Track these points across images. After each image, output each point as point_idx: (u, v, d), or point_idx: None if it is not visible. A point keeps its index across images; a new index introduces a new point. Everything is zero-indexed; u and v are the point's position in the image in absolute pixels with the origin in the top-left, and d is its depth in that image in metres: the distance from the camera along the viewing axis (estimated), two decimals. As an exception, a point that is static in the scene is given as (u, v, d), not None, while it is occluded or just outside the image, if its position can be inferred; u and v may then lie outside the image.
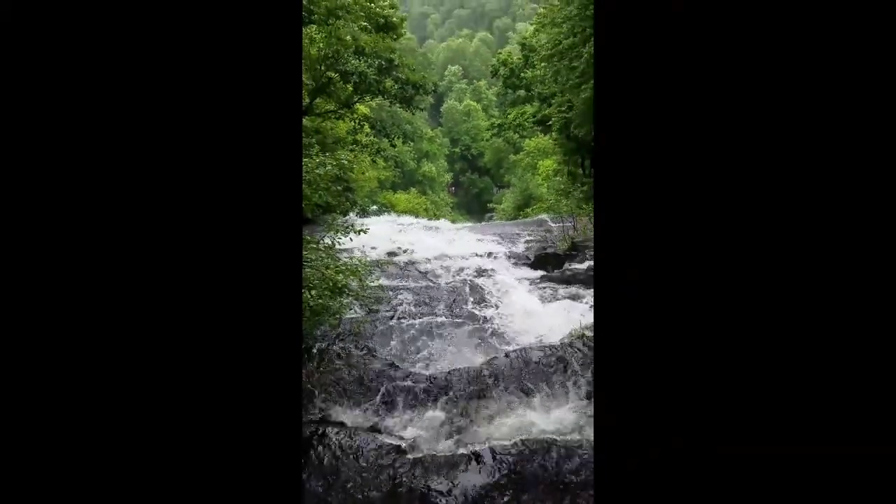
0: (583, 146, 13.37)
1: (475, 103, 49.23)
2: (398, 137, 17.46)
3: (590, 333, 5.26)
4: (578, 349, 5.11)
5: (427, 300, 6.61)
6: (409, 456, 4.04)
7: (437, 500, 3.69)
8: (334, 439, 4.16)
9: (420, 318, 6.14)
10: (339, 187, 5.81)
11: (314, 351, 5.27)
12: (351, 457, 4.02)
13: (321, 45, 11.39)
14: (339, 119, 13.90)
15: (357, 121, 14.45)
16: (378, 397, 4.74)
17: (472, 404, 4.62)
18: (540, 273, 7.91)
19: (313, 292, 4.71)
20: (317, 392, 4.82)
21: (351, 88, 12.97)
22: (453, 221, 17.35)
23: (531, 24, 21.55)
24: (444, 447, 4.21)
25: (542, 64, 12.92)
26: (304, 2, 11.10)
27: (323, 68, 11.79)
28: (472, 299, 6.66)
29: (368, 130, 15.67)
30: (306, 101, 11.86)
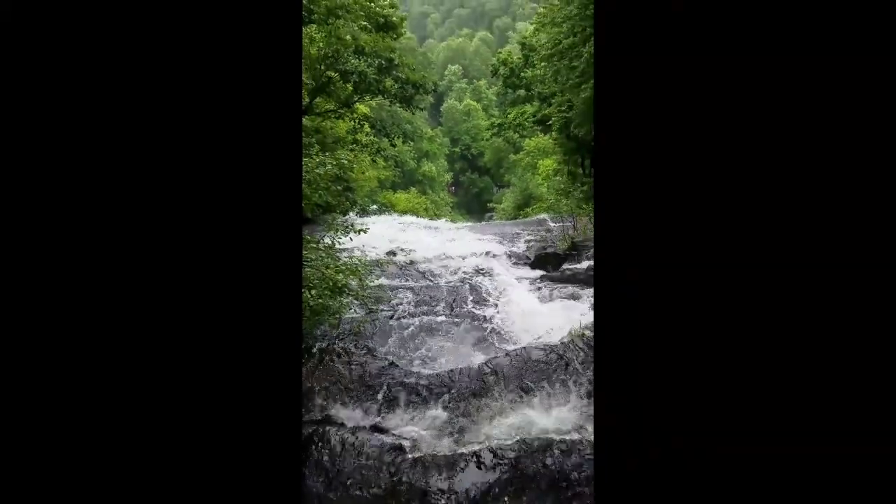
0: (583, 146, 13.36)
1: (475, 103, 49.21)
2: (398, 137, 17.45)
3: (590, 333, 5.26)
4: (578, 348, 5.10)
5: (427, 299, 6.61)
6: (410, 455, 4.04)
7: (437, 498, 3.69)
8: (334, 438, 4.16)
9: (420, 317, 6.14)
10: (338, 187, 5.81)
11: (314, 350, 5.27)
12: (351, 455, 4.02)
13: (321, 44, 11.38)
14: (339, 118, 13.89)
15: (357, 120, 14.44)
16: (378, 396, 4.74)
17: (472, 403, 4.62)
18: (540, 273, 7.91)
19: (313, 292, 4.71)
20: (317, 391, 4.82)
21: (351, 88, 12.96)
22: (453, 221, 17.34)
23: (531, 24, 21.54)
24: (445, 446, 4.21)
25: (542, 63, 12.91)
26: (304, 1, 11.09)
27: (323, 68, 11.78)
28: (471, 299, 6.65)
29: (368, 130, 15.66)
30: (306, 100, 11.85)
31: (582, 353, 5.03)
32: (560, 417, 4.49)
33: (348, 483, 3.86)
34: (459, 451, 4.08)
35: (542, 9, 14.58)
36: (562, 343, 5.25)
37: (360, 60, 12.07)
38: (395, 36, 13.62)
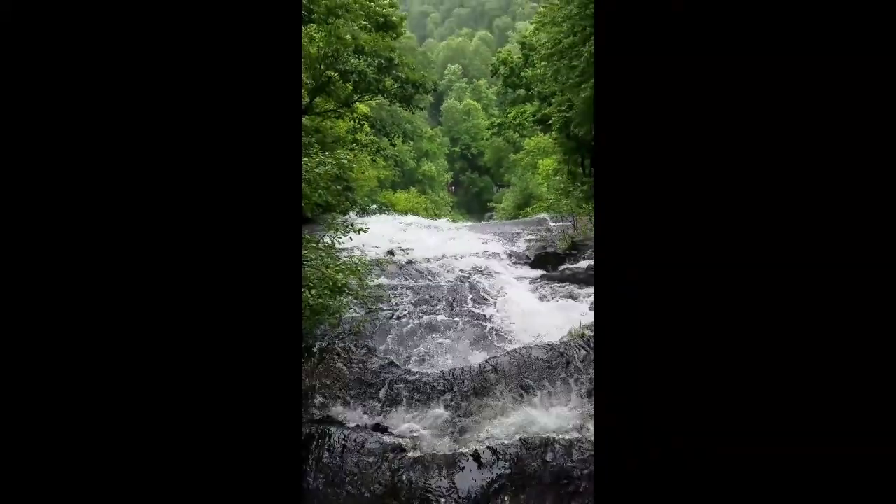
0: (583, 145, 13.36)
1: (475, 102, 49.15)
2: (398, 136, 17.44)
3: (589, 332, 5.25)
4: (578, 348, 5.10)
5: (427, 299, 6.60)
6: (410, 454, 4.04)
7: (437, 498, 3.69)
8: (334, 437, 4.16)
9: (420, 316, 6.14)
10: (338, 186, 5.81)
11: (314, 350, 5.27)
12: (351, 454, 4.02)
13: (321, 44, 11.37)
14: (339, 118, 13.87)
15: (357, 120, 14.42)
16: (378, 396, 4.74)
17: (472, 403, 4.61)
18: (540, 272, 7.90)
19: (313, 291, 4.71)
20: (317, 390, 4.82)
21: (351, 87, 12.94)
22: (453, 220, 17.33)
23: (531, 23, 21.52)
24: (445, 445, 4.21)
25: (542, 63, 12.91)
26: (303, 1, 11.08)
27: (323, 67, 11.76)
28: (471, 298, 6.65)
29: (368, 129, 15.64)
30: (306, 100, 11.84)
31: (582, 352, 5.02)
32: (560, 416, 4.49)
33: (348, 481, 3.86)
34: (460, 450, 4.07)
35: (541, 8, 14.56)
36: (562, 342, 5.25)
37: (359, 60, 12.05)
38: (394, 35, 13.61)
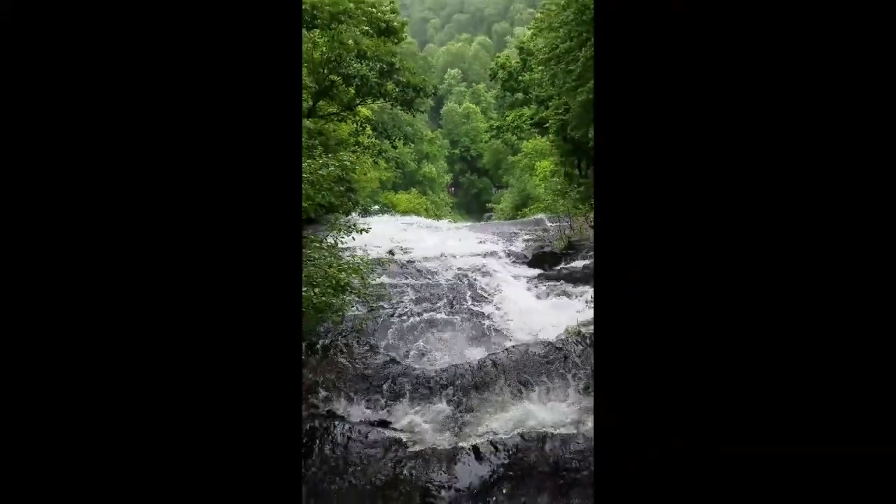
0: (579, 148, 13.35)
1: (474, 106, 49.17)
2: (399, 139, 17.42)
3: (585, 329, 5.24)
4: (575, 345, 5.08)
5: (427, 297, 6.59)
6: (410, 448, 4.02)
7: (437, 491, 3.67)
8: (337, 432, 4.15)
9: (420, 314, 6.12)
10: (341, 188, 5.79)
11: (317, 347, 5.25)
12: (353, 449, 4.01)
13: (324, 48, 11.34)
14: (342, 121, 13.85)
15: (359, 123, 14.41)
16: (380, 391, 4.72)
17: (471, 398, 4.60)
18: (537, 271, 7.89)
19: (316, 290, 4.69)
20: (320, 386, 4.80)
21: (353, 91, 12.92)
22: (453, 221, 17.32)
23: (529, 29, 21.51)
24: (445, 440, 4.20)
25: (540, 67, 12.91)
26: (307, 7, 11.06)
27: (326, 71, 11.74)
28: (470, 296, 6.63)
29: (370, 132, 15.63)
30: (310, 103, 11.81)
31: (579, 349, 5.00)
32: (558, 411, 4.48)
33: (350, 472, 3.84)
34: (459, 444, 4.06)
35: (539, 14, 14.56)
36: (559, 339, 5.23)
37: (362, 64, 12.03)
38: (396, 40, 13.59)
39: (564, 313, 5.95)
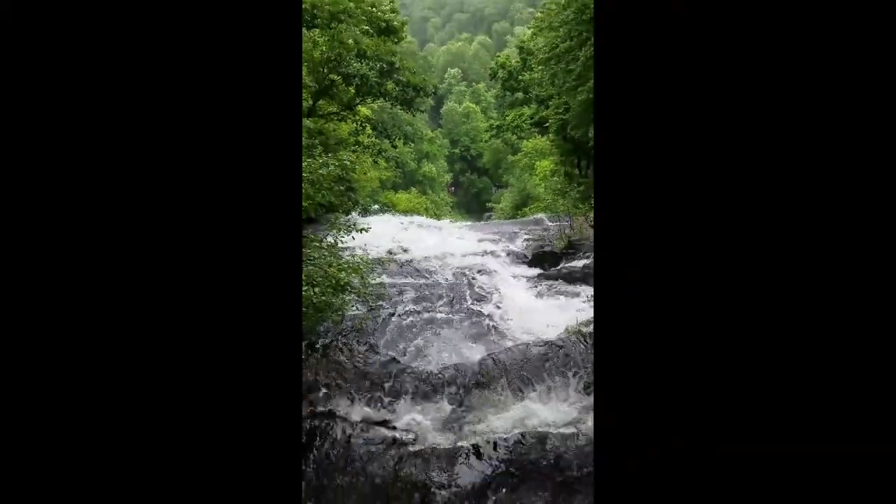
0: (579, 147, 13.35)
1: (474, 105, 49.12)
2: (399, 138, 17.40)
3: (586, 329, 5.23)
4: (575, 344, 5.08)
5: (427, 296, 6.58)
6: (410, 448, 4.02)
7: (438, 490, 3.67)
8: (336, 431, 4.15)
9: (420, 314, 6.11)
10: (341, 187, 5.78)
11: (318, 346, 5.25)
12: (353, 448, 4.01)
13: (324, 48, 11.33)
14: (342, 121, 13.83)
15: (359, 122, 14.39)
16: (379, 391, 4.72)
17: (471, 398, 4.60)
18: (537, 271, 7.89)
19: (316, 289, 4.69)
20: (320, 386, 4.80)
21: (353, 91, 12.90)
22: (453, 220, 17.30)
23: (529, 28, 21.49)
24: (445, 439, 4.19)
25: (540, 67, 12.90)
26: (307, 6, 11.05)
27: (326, 71, 11.73)
28: (470, 295, 6.63)
29: (370, 132, 15.60)
30: (310, 102, 11.80)
31: (579, 348, 5.00)
32: (558, 410, 4.48)
33: (350, 471, 3.84)
34: (459, 444, 4.06)
35: (539, 14, 14.55)
36: (559, 338, 5.23)
37: (362, 64, 12.01)
38: (396, 40, 13.57)
39: (564, 313, 5.95)
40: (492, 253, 8.66)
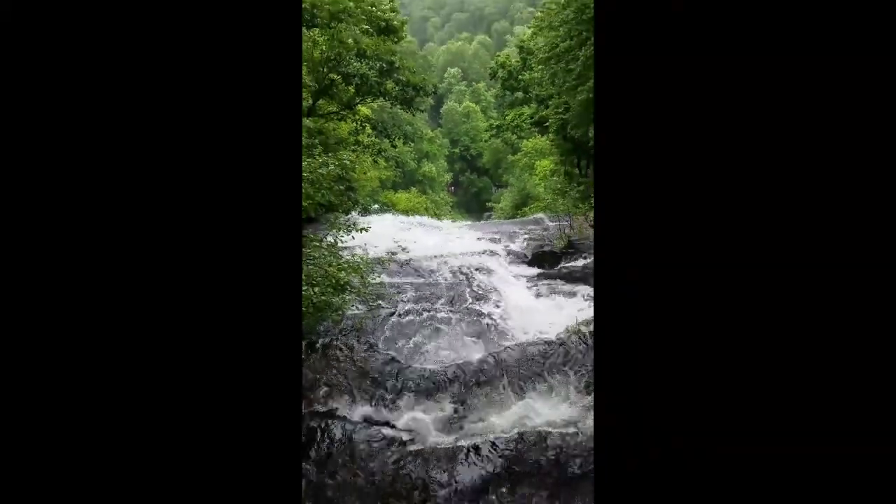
0: (579, 147, 13.34)
1: (474, 105, 49.07)
2: (399, 138, 17.38)
3: (585, 328, 5.23)
4: (574, 344, 5.08)
5: (427, 296, 6.57)
6: (410, 447, 4.02)
7: (437, 488, 3.67)
8: (337, 430, 4.15)
9: (420, 313, 6.11)
10: (341, 187, 5.79)
11: (318, 345, 5.24)
12: (352, 449, 4.00)
13: (324, 47, 11.32)
14: (342, 120, 13.82)
15: (359, 122, 14.37)
16: (379, 388, 4.71)
17: (471, 397, 4.59)
18: (537, 270, 7.88)
19: (316, 289, 4.69)
20: (319, 385, 4.80)
21: (353, 90, 12.89)
22: (453, 220, 17.29)
23: (529, 28, 21.46)
24: (444, 438, 4.19)
25: (540, 66, 12.88)
26: (307, 6, 11.04)
27: (325, 70, 11.71)
28: (470, 295, 6.62)
29: (370, 131, 15.58)
30: (310, 102, 11.78)
31: (580, 348, 5.00)
32: (557, 410, 4.48)
33: (349, 473, 3.84)
34: (459, 443, 4.05)
35: (539, 13, 14.53)
36: (559, 338, 5.22)
37: (361, 63, 12.00)
38: (395, 39, 13.55)
39: (564, 312, 5.95)
40: (492, 252, 8.65)
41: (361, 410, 4.54)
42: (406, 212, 17.28)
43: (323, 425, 4.20)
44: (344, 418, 4.37)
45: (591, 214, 9.49)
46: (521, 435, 4.02)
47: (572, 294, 6.56)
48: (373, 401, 4.62)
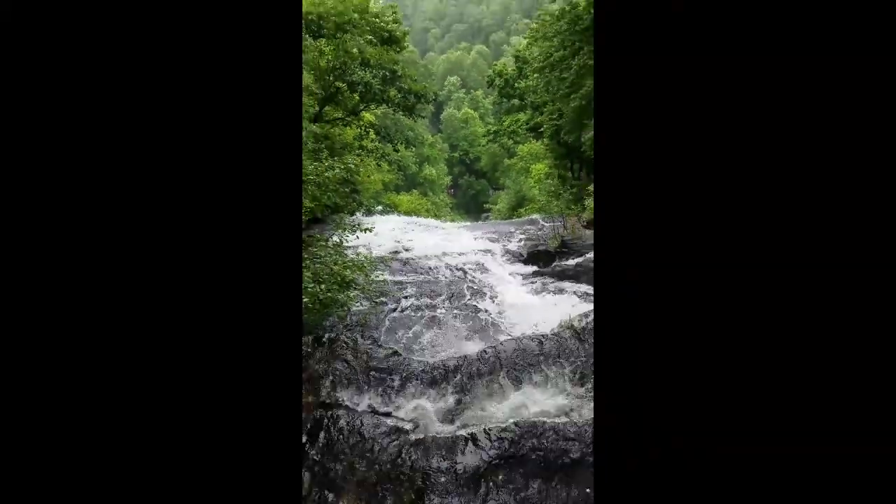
0: (572, 151, 13.29)
1: (472, 111, 49.11)
2: (401, 143, 17.35)
3: (578, 324, 5.18)
4: (569, 338, 5.03)
5: (428, 293, 6.53)
6: (412, 437, 3.99)
7: (438, 477, 3.64)
8: (341, 421, 4.12)
9: (421, 310, 6.07)
10: (346, 189, 5.76)
11: (324, 340, 5.20)
12: (357, 437, 3.98)
13: (330, 57, 11.27)
14: (347, 126, 13.79)
15: (363, 127, 14.36)
16: (382, 381, 4.68)
17: (470, 389, 4.55)
18: (532, 268, 7.84)
19: (322, 286, 4.65)
20: (325, 377, 4.76)
21: (357, 97, 12.86)
22: (452, 221, 17.26)
23: (524, 38, 21.39)
24: (445, 429, 4.16)
25: (535, 75, 12.85)
26: (314, 17, 10.98)
27: (332, 79, 11.68)
28: (469, 292, 6.58)
29: (374, 136, 15.57)
30: (316, 108, 11.74)
31: (573, 342, 4.95)
32: (551, 402, 4.44)
33: (353, 462, 3.81)
34: (458, 433, 4.02)
35: (534, 24, 14.48)
36: (553, 333, 5.18)
37: (366, 72, 11.97)
38: (398, 49, 13.53)
39: (558, 308, 5.91)
40: (489, 251, 8.61)
41: (365, 400, 4.50)
42: (408, 213, 17.25)
43: (329, 415, 4.16)
44: (347, 408, 4.33)
45: (584, 215, 9.45)
46: (517, 424, 3.97)
47: (565, 291, 6.52)
48: (376, 392, 4.58)
